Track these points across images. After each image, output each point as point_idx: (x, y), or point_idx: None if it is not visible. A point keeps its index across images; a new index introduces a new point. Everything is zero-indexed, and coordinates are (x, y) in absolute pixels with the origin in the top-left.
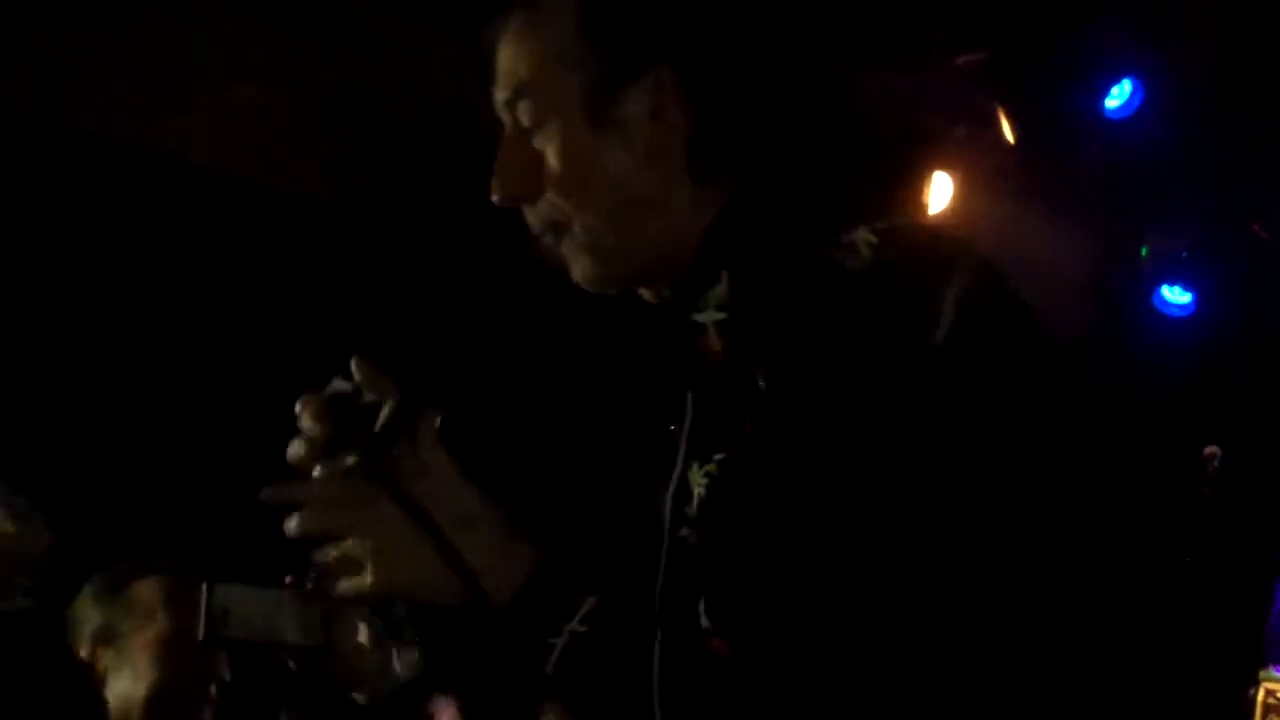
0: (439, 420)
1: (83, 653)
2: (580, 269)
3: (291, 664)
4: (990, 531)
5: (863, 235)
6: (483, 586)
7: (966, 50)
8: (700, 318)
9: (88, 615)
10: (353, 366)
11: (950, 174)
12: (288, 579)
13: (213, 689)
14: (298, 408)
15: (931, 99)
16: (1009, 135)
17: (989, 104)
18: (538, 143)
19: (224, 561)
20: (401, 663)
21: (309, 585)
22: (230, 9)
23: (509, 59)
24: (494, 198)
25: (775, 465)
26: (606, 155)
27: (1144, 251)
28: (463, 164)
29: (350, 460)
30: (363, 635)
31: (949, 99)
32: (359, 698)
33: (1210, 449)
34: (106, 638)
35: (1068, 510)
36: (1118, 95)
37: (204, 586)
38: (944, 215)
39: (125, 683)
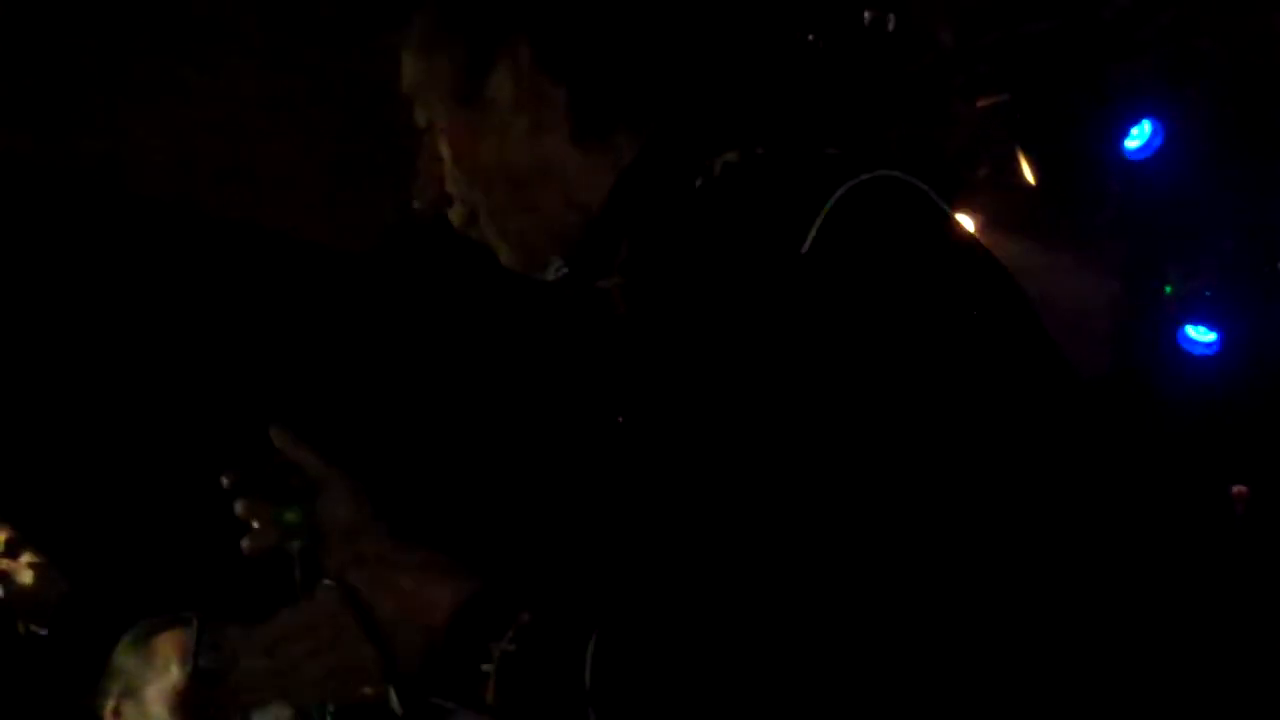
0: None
1: (109, 705)
2: (502, 255)
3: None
4: (863, 464)
5: (726, 157)
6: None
7: (986, 93)
8: (603, 284)
9: (118, 667)
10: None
11: (970, 216)
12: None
13: None
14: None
15: (951, 142)
16: (1029, 176)
17: (1009, 146)
18: (434, 142)
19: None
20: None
21: None
22: (261, 66)
23: (403, 69)
24: (414, 205)
25: (652, 414)
26: (485, 137)
27: (1168, 290)
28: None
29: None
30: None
31: (968, 141)
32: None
33: (1239, 489)
34: (128, 690)
35: (951, 443)
36: (1137, 136)
37: (194, 619)
38: None
39: None
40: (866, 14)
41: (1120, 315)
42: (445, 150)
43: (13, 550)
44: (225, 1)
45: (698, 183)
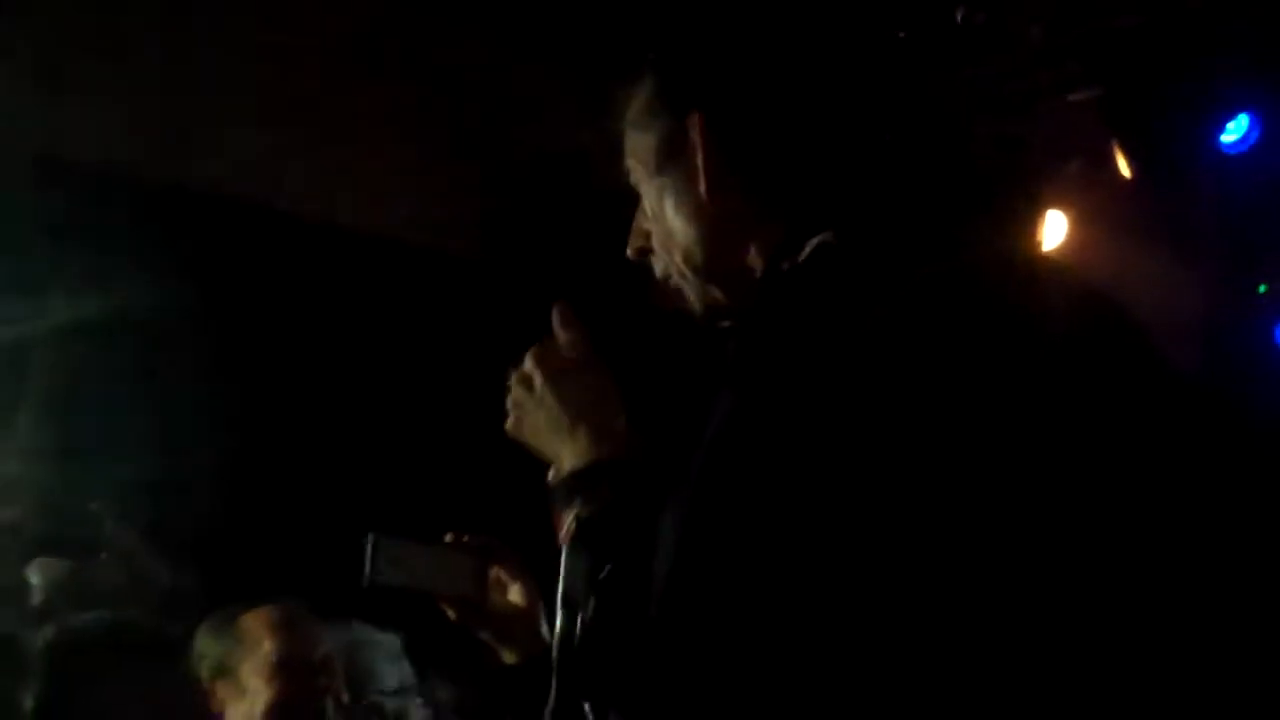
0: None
1: (204, 685)
2: (688, 305)
3: (450, 614)
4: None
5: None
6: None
7: (1081, 87)
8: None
9: (204, 651)
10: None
11: (1064, 211)
12: (447, 536)
13: (330, 706)
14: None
15: (1045, 136)
16: (1124, 171)
17: (1103, 140)
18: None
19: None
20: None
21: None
22: (369, 71)
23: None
24: (628, 253)
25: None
26: (672, 201)
27: (1262, 289)
28: (580, 217)
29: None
30: (515, 594)
31: (1063, 136)
32: (507, 657)
33: None
34: (221, 670)
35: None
36: (1234, 130)
37: (369, 537)
38: (1057, 252)
39: (243, 708)
40: (959, 12)
41: (1214, 313)
42: (646, 212)
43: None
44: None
45: (785, 265)
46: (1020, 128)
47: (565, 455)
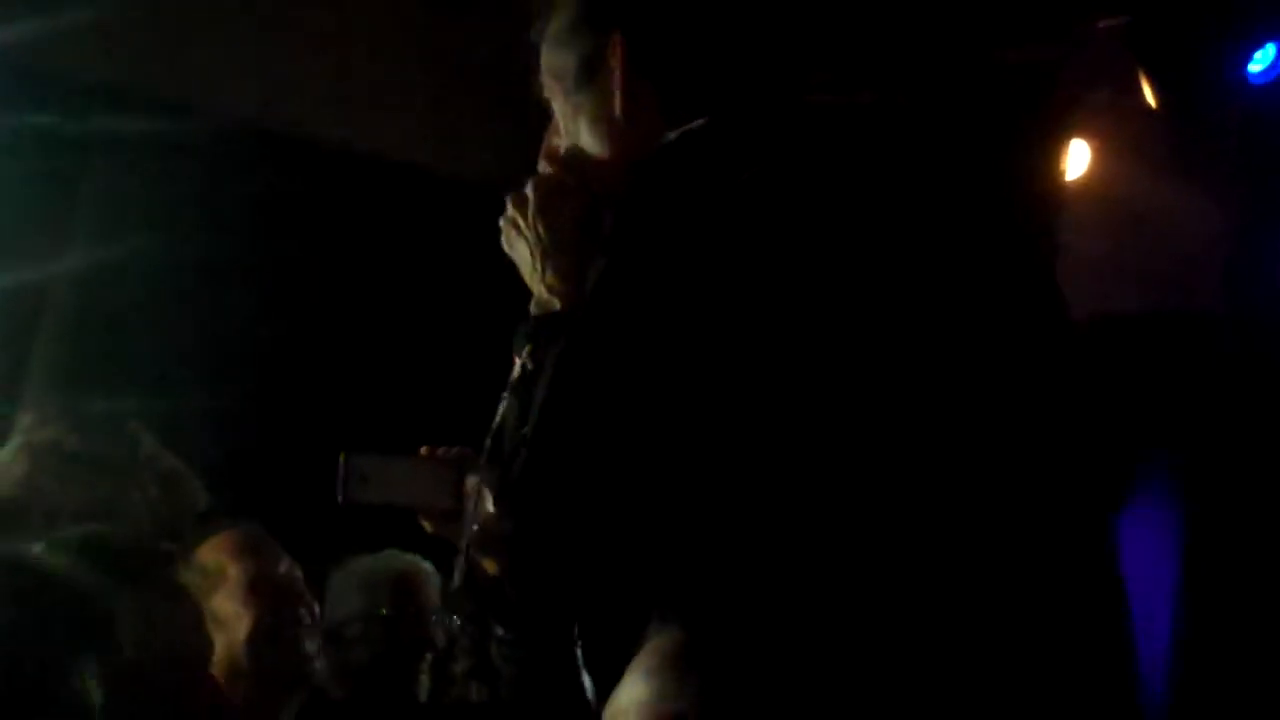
0: None
1: None
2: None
3: (428, 527)
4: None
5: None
6: None
7: (1109, 15)
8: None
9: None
10: None
11: (1089, 140)
12: (421, 450)
13: (306, 619)
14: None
15: (1070, 65)
16: (1150, 100)
17: (1130, 69)
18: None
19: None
20: None
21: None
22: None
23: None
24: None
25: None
26: (587, 119)
27: None
28: None
29: None
30: (493, 503)
31: (1088, 64)
32: (489, 567)
33: None
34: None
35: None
36: (1261, 59)
37: (341, 455)
38: (1081, 182)
39: (221, 637)
40: None
41: (1238, 248)
42: (560, 127)
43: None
44: None
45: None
46: (1048, 55)
47: (533, 293)
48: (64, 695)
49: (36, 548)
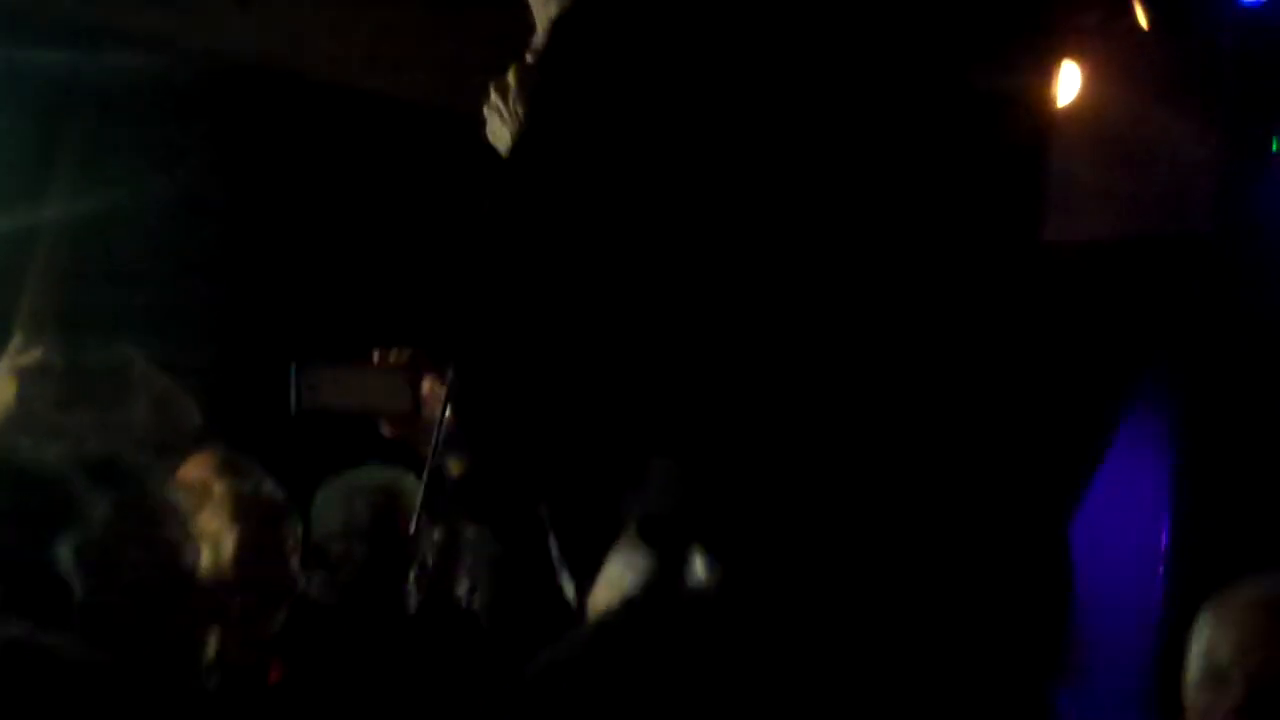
0: None
1: None
2: None
3: (385, 430)
4: None
5: None
6: None
7: None
8: None
9: None
10: None
11: (1079, 64)
12: (374, 354)
13: (290, 536)
14: None
15: None
16: (1142, 22)
17: None
18: None
19: None
20: None
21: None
22: None
23: None
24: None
25: None
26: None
27: (1275, 145)
28: None
29: None
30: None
31: None
32: (454, 468)
33: None
34: None
35: None
36: None
37: (292, 365)
38: (1072, 106)
39: (209, 555)
40: None
41: (1228, 170)
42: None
43: None
44: None
45: None
46: None
47: None
48: (38, 580)
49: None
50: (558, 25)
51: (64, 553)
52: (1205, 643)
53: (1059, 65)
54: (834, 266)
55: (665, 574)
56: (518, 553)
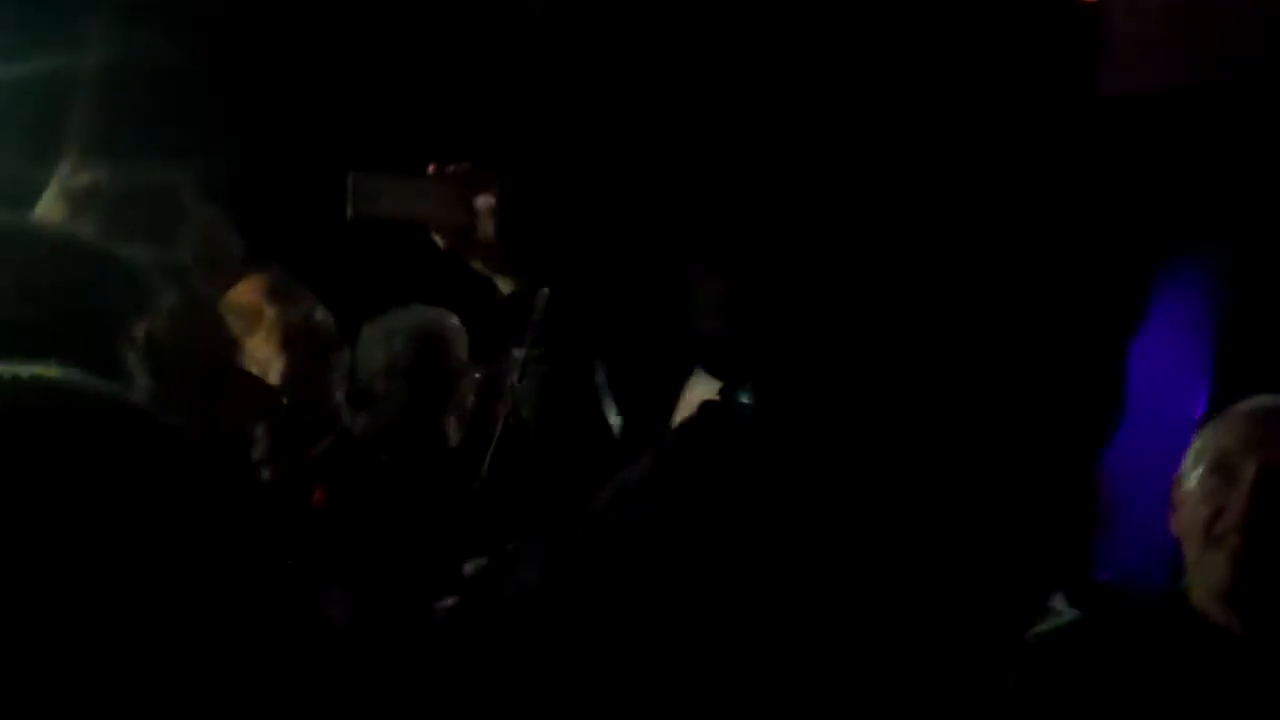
0: None
1: None
2: None
3: (440, 242)
4: None
5: None
6: None
7: None
8: None
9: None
10: None
11: None
12: (429, 167)
13: (337, 366)
14: None
15: None
16: None
17: None
18: None
19: None
20: None
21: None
22: None
23: None
24: None
25: None
26: None
27: None
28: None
29: None
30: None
31: None
32: (504, 287)
33: None
34: None
35: None
36: None
37: (350, 172)
38: None
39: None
40: None
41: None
42: None
43: None
44: None
45: None
46: None
47: None
48: (109, 364)
49: None
50: None
51: (137, 338)
52: (1214, 439)
53: None
54: (884, 102)
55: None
56: (565, 375)
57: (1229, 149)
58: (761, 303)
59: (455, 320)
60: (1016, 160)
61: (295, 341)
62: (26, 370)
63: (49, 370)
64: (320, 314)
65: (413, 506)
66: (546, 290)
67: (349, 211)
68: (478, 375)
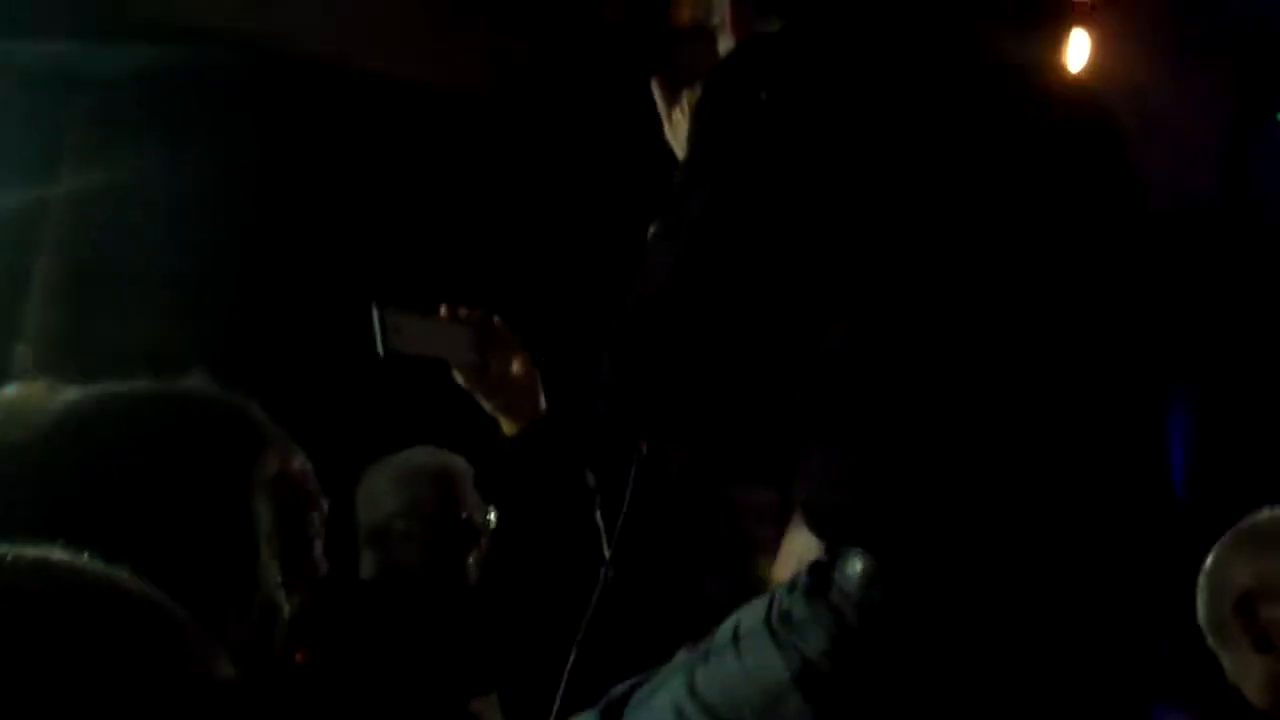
0: None
1: None
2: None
3: (460, 380)
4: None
5: None
6: None
7: None
8: None
9: None
10: None
11: (1089, 31)
12: (442, 310)
13: (317, 519)
14: None
15: None
16: None
17: None
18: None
19: None
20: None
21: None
22: None
23: None
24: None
25: None
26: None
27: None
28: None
29: None
30: (515, 365)
31: None
32: (508, 428)
33: None
34: None
35: None
36: None
37: (374, 306)
38: (1082, 74)
39: None
40: None
41: (1232, 138)
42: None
43: None
44: None
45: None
46: None
47: None
48: None
49: None
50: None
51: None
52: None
53: (1070, 32)
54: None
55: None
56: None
57: (1187, 283)
58: (886, 473)
59: (463, 461)
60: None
61: (275, 493)
62: (29, 551)
63: (51, 553)
64: (299, 461)
65: (432, 647)
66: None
67: (380, 347)
68: (491, 517)
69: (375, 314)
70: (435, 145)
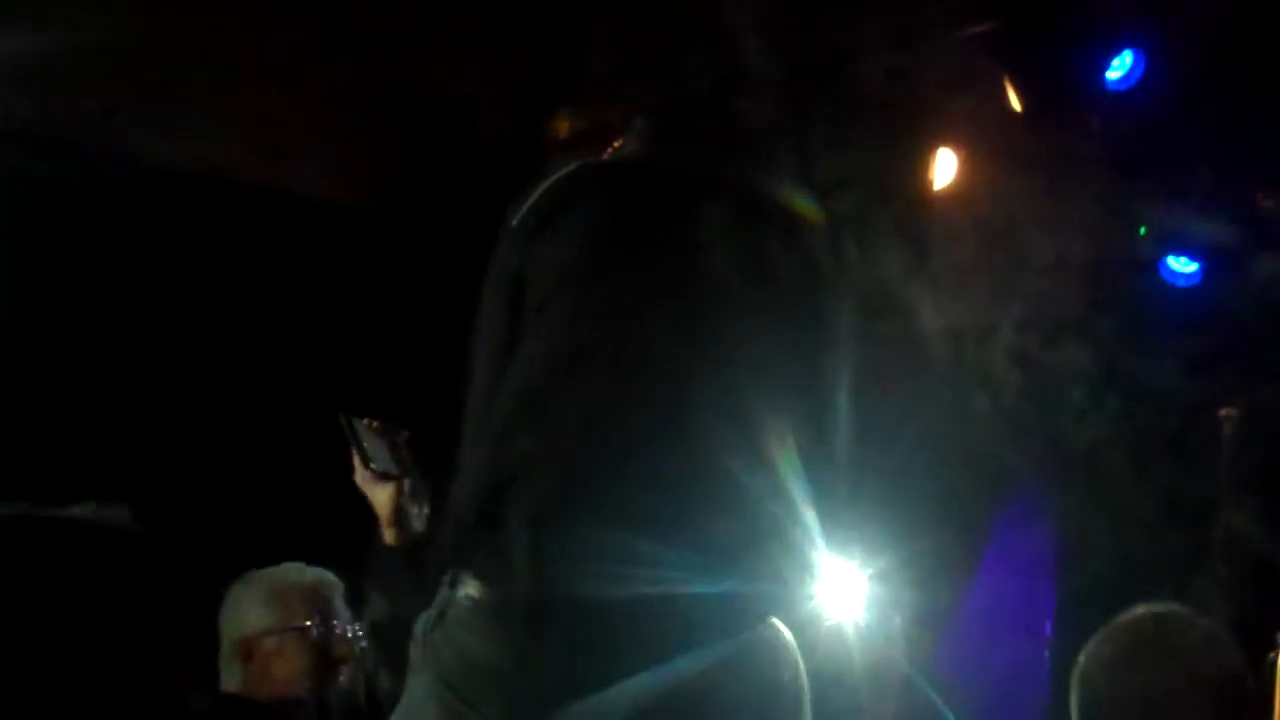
0: None
1: None
2: None
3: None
4: None
5: None
6: None
7: (972, 22)
8: None
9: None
10: None
11: (954, 149)
12: (366, 420)
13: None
14: None
15: (936, 71)
16: (1015, 105)
17: (995, 75)
18: None
19: None
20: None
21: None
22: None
23: None
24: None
25: None
26: None
27: (1142, 231)
28: (465, 165)
29: None
30: (408, 487)
31: (954, 71)
32: (388, 537)
33: (1226, 411)
34: None
35: None
36: (1119, 66)
37: (344, 419)
38: (949, 190)
39: None
40: None
41: (1102, 246)
42: None
43: None
44: None
45: None
46: (912, 61)
47: None
48: None
49: None
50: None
51: None
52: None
53: (935, 150)
54: None
55: None
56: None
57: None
58: None
59: (333, 577)
60: None
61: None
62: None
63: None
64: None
65: None
66: None
67: (365, 467)
68: (360, 631)
69: (350, 425)
70: (308, 255)
